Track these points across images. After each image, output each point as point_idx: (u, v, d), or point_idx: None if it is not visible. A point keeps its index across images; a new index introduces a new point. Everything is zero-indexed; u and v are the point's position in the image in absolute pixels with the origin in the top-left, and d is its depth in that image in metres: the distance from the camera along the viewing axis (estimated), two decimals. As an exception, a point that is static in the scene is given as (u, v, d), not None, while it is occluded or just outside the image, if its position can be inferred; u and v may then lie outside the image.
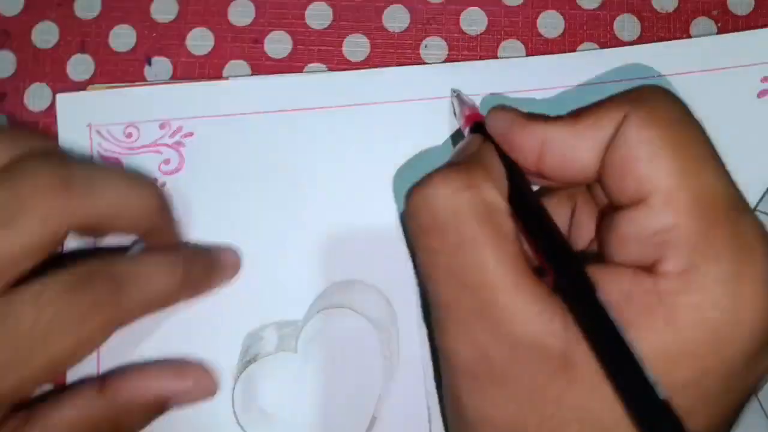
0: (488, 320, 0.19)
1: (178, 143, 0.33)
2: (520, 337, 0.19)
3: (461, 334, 0.20)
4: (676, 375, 0.18)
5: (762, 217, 0.33)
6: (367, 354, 0.31)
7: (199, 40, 0.34)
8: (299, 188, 0.32)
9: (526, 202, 0.23)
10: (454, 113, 0.31)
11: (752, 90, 0.32)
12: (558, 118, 0.22)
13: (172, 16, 0.34)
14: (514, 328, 0.19)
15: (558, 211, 0.25)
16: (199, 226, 0.32)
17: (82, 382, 0.28)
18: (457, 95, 0.31)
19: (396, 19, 0.34)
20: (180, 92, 0.33)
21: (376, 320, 0.31)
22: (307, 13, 0.34)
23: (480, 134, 0.26)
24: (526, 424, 0.19)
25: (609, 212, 0.22)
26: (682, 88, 0.32)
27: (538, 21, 0.34)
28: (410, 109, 0.33)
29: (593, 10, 0.34)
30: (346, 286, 0.32)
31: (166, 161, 0.32)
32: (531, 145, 0.22)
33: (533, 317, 0.19)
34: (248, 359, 0.31)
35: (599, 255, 0.22)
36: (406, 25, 0.34)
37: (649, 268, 0.19)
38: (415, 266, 0.31)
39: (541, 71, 0.33)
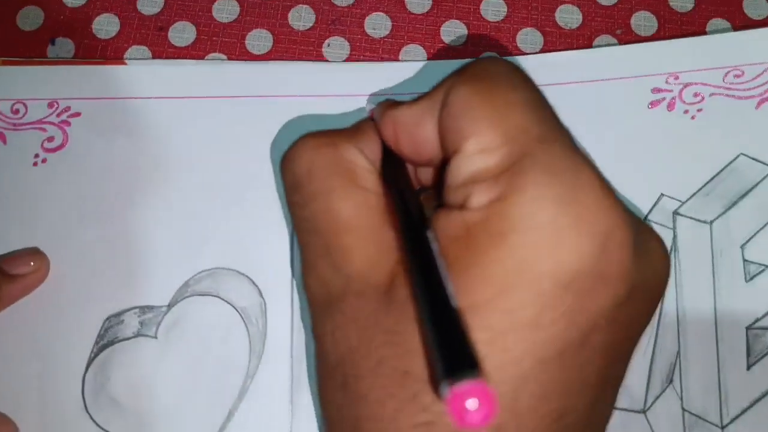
0: (331, 257, 0.20)
1: (64, 122, 0.32)
2: (354, 271, 0.20)
3: (312, 272, 0.21)
4: (478, 298, 0.17)
5: (655, 228, 0.32)
6: (231, 345, 0.30)
7: (105, 25, 0.34)
8: (174, 173, 0.32)
9: (391, 170, 0.23)
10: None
11: (643, 100, 0.32)
12: (408, 103, 0.23)
13: (82, 1, 0.35)
14: (350, 264, 0.20)
15: None
16: (72, 206, 0.31)
17: None
18: (369, 102, 0.32)
19: (302, 18, 0.35)
20: (73, 73, 0.33)
21: (244, 310, 0.30)
22: (214, 6, 0.35)
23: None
24: (359, 353, 0.19)
25: None
26: (580, 97, 0.32)
27: (441, 29, 0.34)
28: (305, 105, 0.33)
29: (497, 22, 0.35)
30: (215, 274, 0.30)
31: (50, 138, 0.32)
32: (388, 130, 0.23)
33: (367, 255, 0.20)
34: (104, 343, 0.30)
35: None
36: (311, 24, 0.35)
37: (462, 205, 0.19)
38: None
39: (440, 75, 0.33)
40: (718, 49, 0.33)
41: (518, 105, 0.19)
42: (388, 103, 0.24)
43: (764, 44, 0.33)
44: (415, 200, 0.22)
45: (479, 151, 0.19)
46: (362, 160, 0.22)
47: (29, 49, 0.34)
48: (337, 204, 0.21)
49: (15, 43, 0.34)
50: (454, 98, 0.20)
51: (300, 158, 0.22)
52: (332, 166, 0.21)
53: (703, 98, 0.32)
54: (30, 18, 0.34)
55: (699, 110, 0.32)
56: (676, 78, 0.32)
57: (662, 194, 0.31)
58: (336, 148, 0.22)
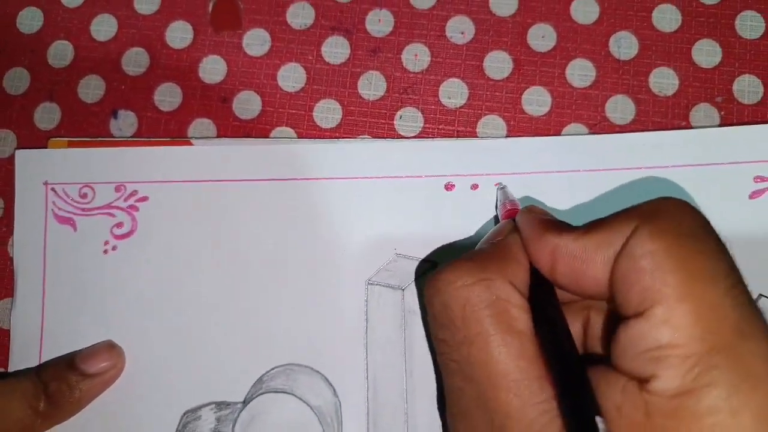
0: (488, 414, 0.20)
1: (132, 207, 0.31)
2: None
3: (464, 423, 0.21)
4: None
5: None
6: (306, 444, 0.29)
7: (167, 96, 0.33)
8: (250, 262, 0.31)
9: (541, 300, 0.22)
10: (496, 205, 0.30)
11: (745, 189, 0.29)
12: (571, 230, 0.22)
13: (142, 69, 0.33)
14: (510, 427, 0.19)
15: (572, 318, 0.24)
16: (144, 296, 0.31)
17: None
18: (502, 188, 0.30)
19: (372, 86, 0.33)
20: (138, 155, 0.32)
21: (318, 408, 0.30)
22: (279, 74, 0.33)
23: (513, 222, 0.25)
24: None
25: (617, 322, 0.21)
26: (676, 182, 0.30)
27: (523, 97, 0.32)
28: (379, 186, 0.31)
29: (584, 88, 0.32)
30: (289, 370, 0.30)
31: (119, 224, 0.31)
32: (543, 256, 0.22)
33: (530, 419, 0.19)
34: (183, 438, 0.30)
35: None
36: (382, 93, 0.32)
37: (643, 382, 0.18)
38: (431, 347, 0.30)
39: (524, 154, 0.31)
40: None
41: (716, 280, 0.18)
42: (542, 223, 0.23)
43: None
44: (570, 346, 0.21)
45: (666, 321, 0.18)
46: (516, 297, 0.22)
47: (92, 124, 0.33)
48: (494, 356, 0.20)
49: (78, 115, 0.33)
50: (640, 251, 0.19)
51: (451, 296, 0.21)
52: (487, 308, 0.21)
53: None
54: (91, 88, 0.33)
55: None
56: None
57: (761, 295, 0.29)
58: (490, 284, 0.21)
